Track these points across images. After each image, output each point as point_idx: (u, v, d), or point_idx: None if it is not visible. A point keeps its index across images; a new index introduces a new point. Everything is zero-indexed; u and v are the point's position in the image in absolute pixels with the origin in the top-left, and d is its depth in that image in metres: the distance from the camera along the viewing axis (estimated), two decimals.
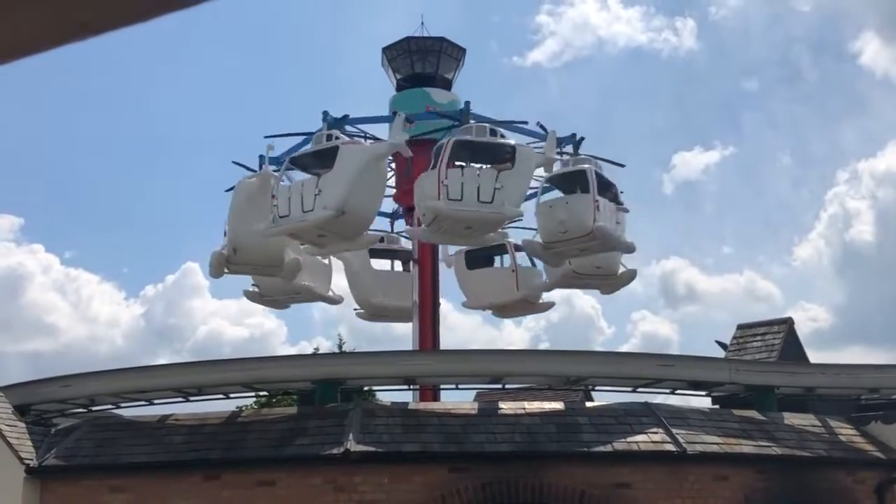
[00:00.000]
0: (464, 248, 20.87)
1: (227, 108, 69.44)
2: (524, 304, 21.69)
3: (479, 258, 21.41)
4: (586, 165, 17.26)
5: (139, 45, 64.37)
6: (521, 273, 20.77)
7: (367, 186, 16.02)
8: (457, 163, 16.36)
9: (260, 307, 28.18)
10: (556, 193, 17.87)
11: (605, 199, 16.86)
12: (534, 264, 20.86)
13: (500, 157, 16.60)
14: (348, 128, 18.87)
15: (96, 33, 1.49)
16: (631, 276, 19.78)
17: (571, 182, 17.32)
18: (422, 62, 22.37)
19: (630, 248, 18.02)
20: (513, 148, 16.70)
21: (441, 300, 22.46)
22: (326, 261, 21.06)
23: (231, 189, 18.28)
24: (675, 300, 65.85)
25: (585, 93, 69.51)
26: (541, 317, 58.75)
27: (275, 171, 17.36)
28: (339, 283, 22.42)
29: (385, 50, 22.67)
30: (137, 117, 66.78)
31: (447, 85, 22.54)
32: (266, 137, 17.74)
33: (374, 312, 22.64)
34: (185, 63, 67.13)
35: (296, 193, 15.86)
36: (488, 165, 16.56)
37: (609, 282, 19.86)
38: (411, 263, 21.84)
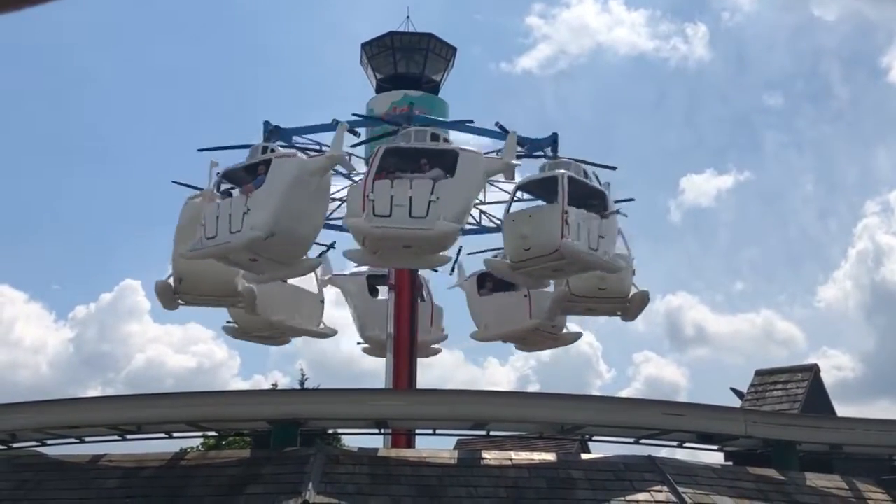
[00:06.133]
0: (477, 271, 20.88)
1: (181, 108, 69.51)
2: (542, 336, 21.60)
3: (492, 281, 21.18)
4: (560, 171, 16.96)
5: (88, 35, 64.13)
6: (534, 298, 20.61)
7: (302, 205, 15.89)
8: (398, 173, 16.23)
9: (209, 334, 28.13)
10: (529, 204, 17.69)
11: (582, 209, 16.56)
12: None
13: (440, 164, 16.39)
14: (297, 138, 18.86)
15: None
16: (643, 297, 19.53)
17: (543, 190, 17.13)
18: (406, 61, 22.43)
19: (613, 268, 17.44)
20: (454, 153, 16.50)
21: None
22: (316, 290, 20.95)
23: None
24: (682, 341, 65.99)
25: (582, 106, 69.88)
26: (529, 355, 58.69)
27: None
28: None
29: (365, 46, 22.68)
30: (79, 113, 66.78)
31: (434, 88, 22.58)
32: (200, 150, 17.61)
33: (376, 347, 22.39)
34: (138, 58, 67.16)
35: (224, 212, 15.75)
36: (428, 176, 16.26)
37: (623, 305, 19.58)
38: (387, 290, 21.78)
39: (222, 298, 18.64)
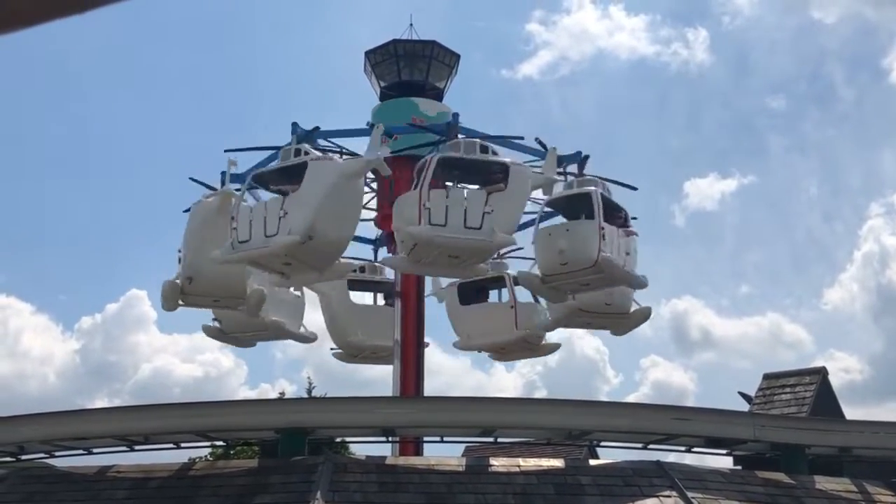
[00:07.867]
0: (456, 280, 20.85)
1: (186, 117, 69.68)
2: (524, 346, 21.70)
3: (473, 292, 21.44)
4: (591, 188, 17.43)
5: (94, 42, 64.17)
6: (520, 309, 20.81)
7: (339, 208, 16.05)
8: (445, 183, 16.47)
9: (216, 343, 28.19)
10: (559, 219, 18.02)
11: (612, 226, 17.03)
12: (536, 300, 20.90)
13: (491, 176, 16.67)
14: (322, 142, 18.93)
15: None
16: (645, 314, 19.94)
17: (575, 206, 17.47)
18: (409, 69, 22.48)
19: (641, 284, 18.17)
20: (505, 166, 16.75)
21: (427, 339, 22.50)
22: (298, 293, 21.00)
23: (189, 210, 18.33)
24: (688, 345, 66.03)
25: (584, 111, 70.09)
26: (536, 361, 58.69)
27: (237, 189, 17.39)
28: (312, 318, 22.36)
29: (368, 54, 22.75)
30: (85, 123, 66.89)
31: (438, 95, 22.65)
32: (227, 151, 17.83)
33: (352, 352, 22.55)
34: (137, 65, 67.36)
35: (258, 215, 15.87)
36: (477, 186, 16.63)
37: (620, 321, 19.97)
38: (394, 297, 21.84)
39: (229, 300, 18.61)
